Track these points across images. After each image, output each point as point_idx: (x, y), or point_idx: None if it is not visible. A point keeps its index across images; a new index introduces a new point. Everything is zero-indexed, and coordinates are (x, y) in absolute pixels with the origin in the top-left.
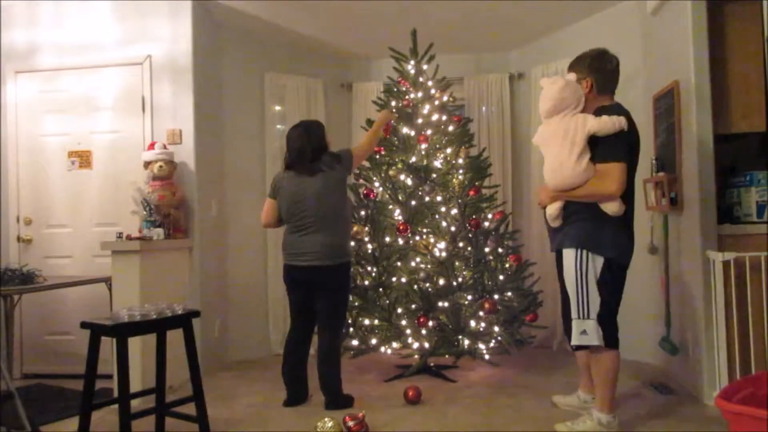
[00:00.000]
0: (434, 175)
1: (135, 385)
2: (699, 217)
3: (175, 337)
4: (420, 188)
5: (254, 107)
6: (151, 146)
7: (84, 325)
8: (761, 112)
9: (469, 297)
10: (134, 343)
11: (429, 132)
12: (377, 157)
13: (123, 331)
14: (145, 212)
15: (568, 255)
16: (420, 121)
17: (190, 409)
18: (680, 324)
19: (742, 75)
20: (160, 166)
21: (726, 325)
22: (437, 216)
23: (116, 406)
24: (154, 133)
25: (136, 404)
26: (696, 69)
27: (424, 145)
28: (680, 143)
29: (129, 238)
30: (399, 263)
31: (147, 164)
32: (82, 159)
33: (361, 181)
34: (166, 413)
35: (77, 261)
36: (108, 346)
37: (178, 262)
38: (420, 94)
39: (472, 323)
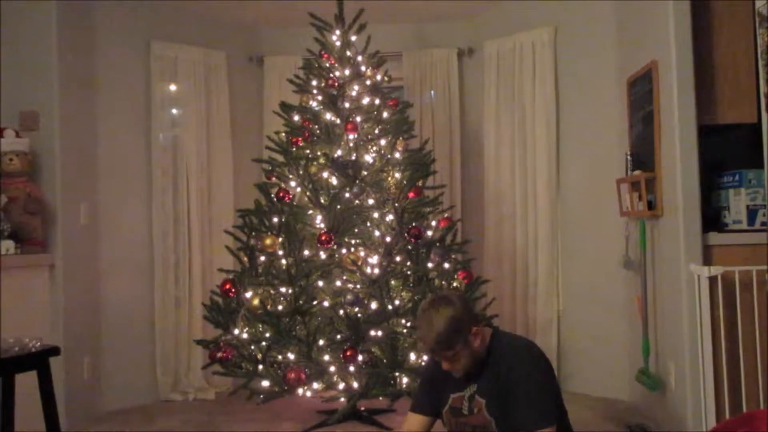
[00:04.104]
0: (365, 173)
1: None
2: (681, 224)
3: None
4: (347, 189)
5: (137, 85)
6: None
7: None
8: (752, 99)
9: (408, 324)
10: None
11: (359, 119)
12: (294, 150)
13: None
14: None
15: None
16: (347, 105)
17: None
18: (660, 353)
19: (729, 56)
20: (10, 160)
21: (713, 353)
22: (368, 224)
23: None
24: (2, 117)
25: None
26: (677, 46)
27: (352, 135)
28: (659, 135)
29: None
30: (320, 283)
31: None
32: None
33: (274, 179)
34: None
35: None
36: None
37: (34, 283)
38: (347, 72)
39: (412, 357)
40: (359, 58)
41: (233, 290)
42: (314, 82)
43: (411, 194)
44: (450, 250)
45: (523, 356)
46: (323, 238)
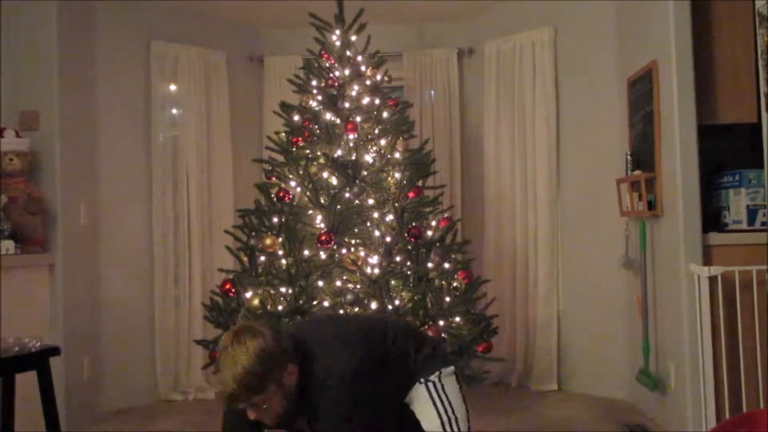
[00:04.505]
0: (365, 173)
1: None
2: (681, 224)
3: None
4: (347, 189)
5: (137, 85)
6: None
7: None
8: (752, 99)
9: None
10: None
11: (359, 119)
12: (294, 150)
13: None
14: None
15: None
16: (347, 105)
17: None
18: (660, 353)
19: (729, 56)
20: (11, 159)
21: (713, 353)
22: (368, 224)
23: None
24: (2, 117)
25: None
26: (677, 46)
27: (352, 135)
28: (659, 135)
29: None
30: (321, 283)
31: None
32: None
33: (274, 179)
34: None
35: None
36: None
37: (34, 283)
38: (347, 72)
39: None
40: (359, 58)
41: (233, 290)
42: (314, 82)
43: (411, 194)
44: (450, 250)
45: (331, 390)
46: (323, 238)
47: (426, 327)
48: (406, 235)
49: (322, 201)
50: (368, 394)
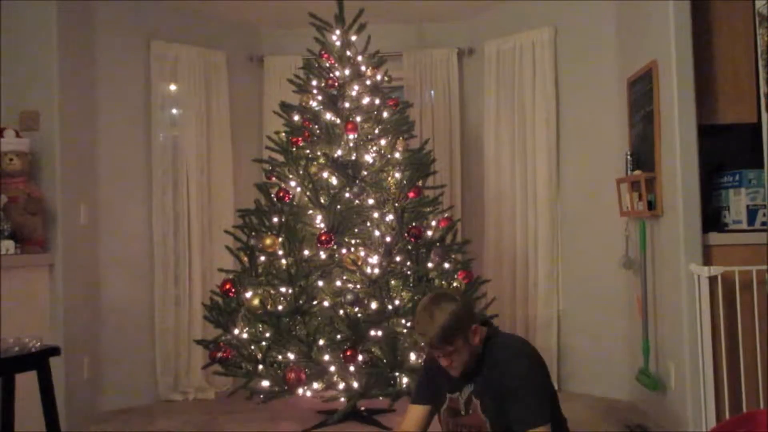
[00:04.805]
0: (365, 173)
1: None
2: (681, 224)
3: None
4: (347, 189)
5: (136, 84)
6: None
7: None
8: (752, 99)
9: (408, 324)
10: None
11: (359, 119)
12: (294, 150)
13: None
14: None
15: None
16: (347, 105)
17: None
18: (660, 353)
19: (729, 57)
20: (11, 160)
21: (713, 353)
22: (368, 223)
23: None
24: (2, 117)
25: None
26: (677, 46)
27: (352, 135)
28: (659, 135)
29: None
30: (320, 283)
31: None
32: None
33: (274, 179)
34: None
35: None
36: None
37: (34, 283)
38: (347, 72)
39: (412, 356)
40: (359, 58)
41: (233, 290)
42: (314, 82)
43: (411, 194)
44: (450, 250)
45: (517, 356)
46: (323, 238)
47: None
48: (406, 235)
49: (322, 201)
50: (535, 374)
